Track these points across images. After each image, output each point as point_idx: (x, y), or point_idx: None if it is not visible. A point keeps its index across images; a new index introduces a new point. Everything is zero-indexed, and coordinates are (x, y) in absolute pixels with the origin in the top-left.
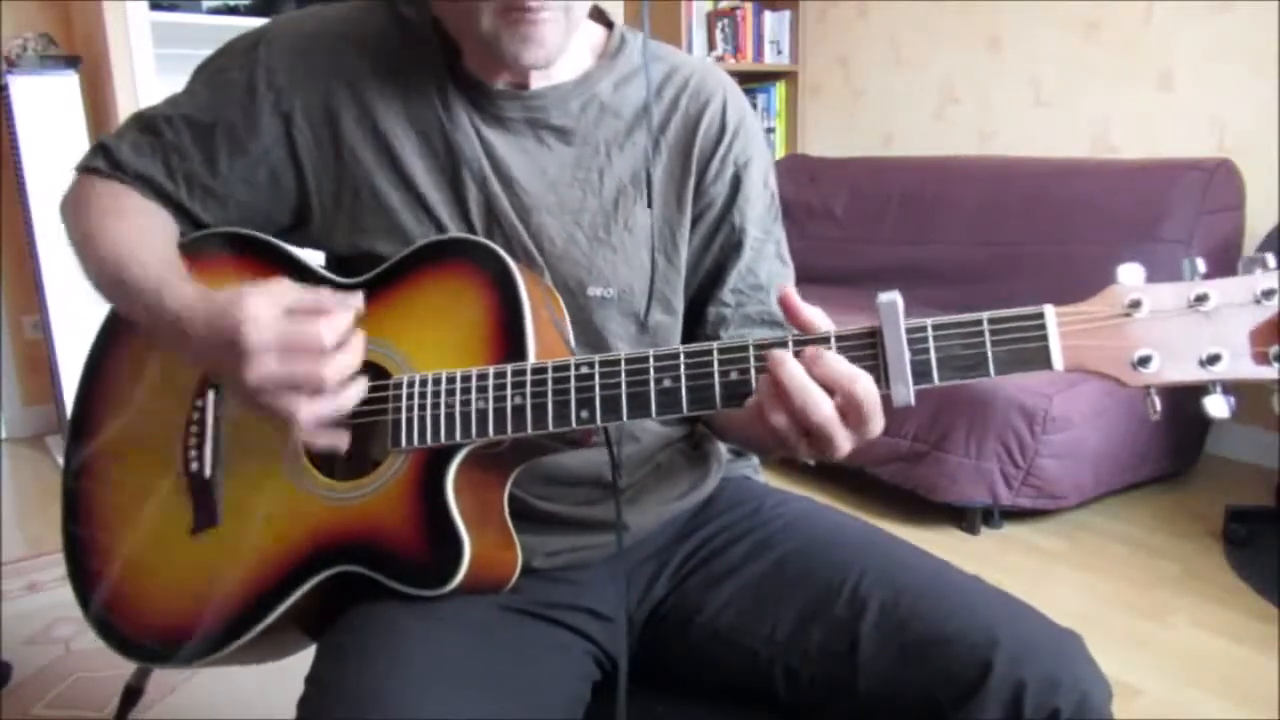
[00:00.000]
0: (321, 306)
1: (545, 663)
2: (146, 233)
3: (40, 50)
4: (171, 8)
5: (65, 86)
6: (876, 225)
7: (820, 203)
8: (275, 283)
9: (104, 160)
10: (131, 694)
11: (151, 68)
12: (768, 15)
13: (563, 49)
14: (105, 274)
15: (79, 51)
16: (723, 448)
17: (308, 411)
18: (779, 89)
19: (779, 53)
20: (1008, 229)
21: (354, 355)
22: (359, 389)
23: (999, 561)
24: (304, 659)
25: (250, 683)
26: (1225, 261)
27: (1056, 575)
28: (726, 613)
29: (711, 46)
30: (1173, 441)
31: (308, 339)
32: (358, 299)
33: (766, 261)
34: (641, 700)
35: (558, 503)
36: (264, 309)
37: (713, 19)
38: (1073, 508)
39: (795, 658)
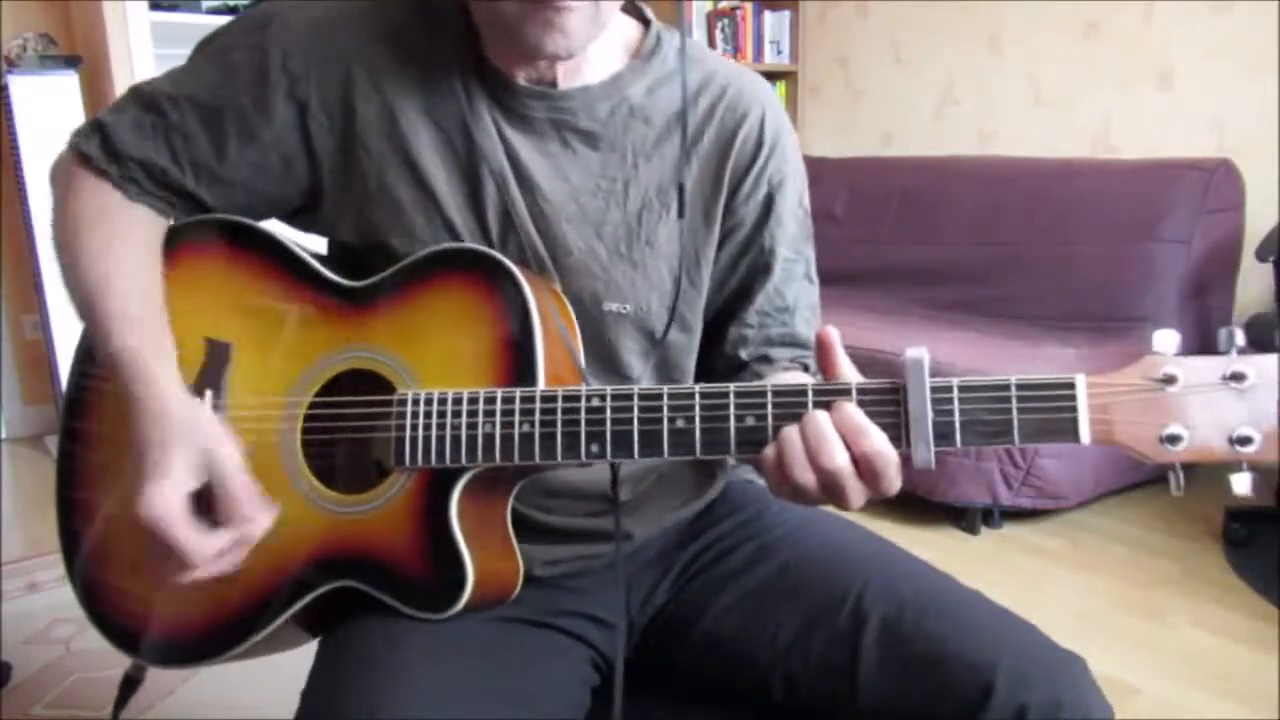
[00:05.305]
0: (230, 511)
1: (546, 669)
2: (128, 265)
3: (40, 50)
4: (171, 8)
5: (65, 86)
6: (876, 225)
7: (820, 203)
8: (218, 450)
9: (99, 145)
10: (130, 684)
11: (151, 68)
12: (768, 15)
13: (589, 41)
14: (79, 300)
15: (79, 51)
16: None
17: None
18: (779, 89)
19: (779, 53)
20: (1008, 229)
21: (220, 567)
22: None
23: (999, 561)
24: (304, 658)
25: (250, 683)
26: (1225, 262)
27: (1056, 575)
28: (727, 619)
29: (711, 46)
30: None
31: (181, 547)
32: (266, 520)
33: (795, 282)
34: (643, 705)
35: (560, 515)
36: (172, 487)
37: (713, 19)
38: (1073, 508)
39: (795, 666)
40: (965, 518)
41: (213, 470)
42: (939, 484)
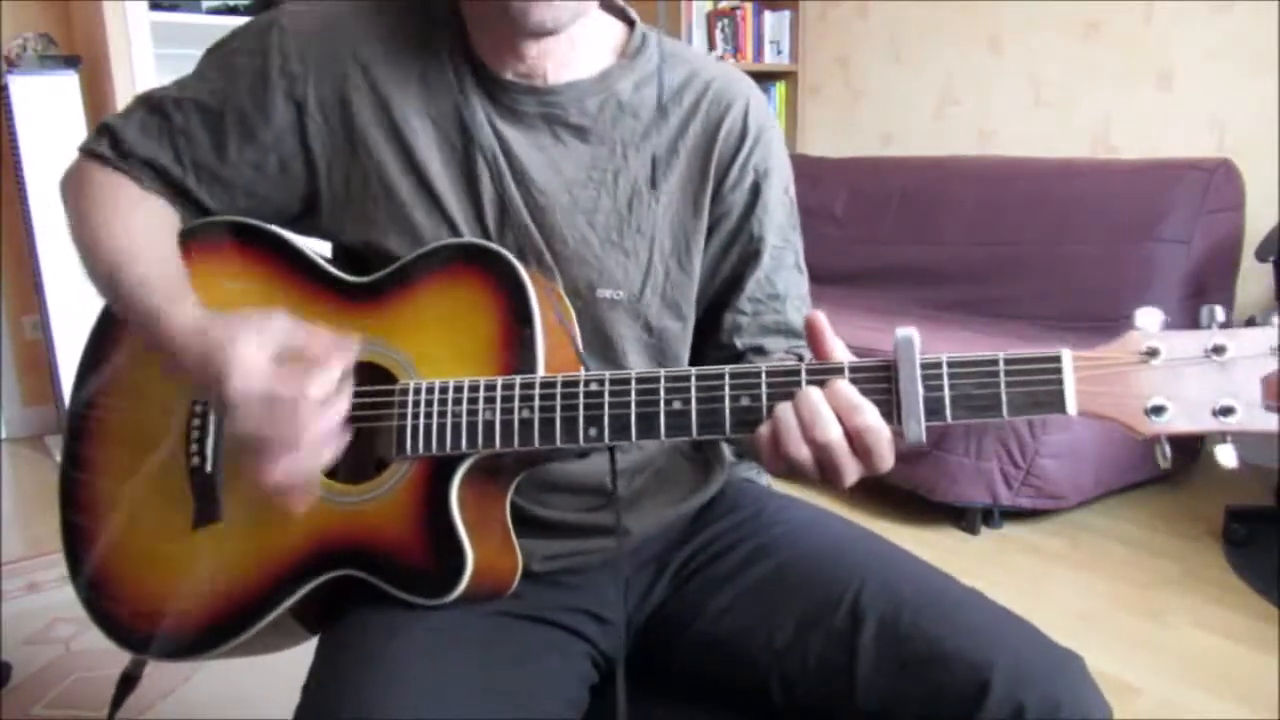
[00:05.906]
0: (314, 353)
1: (543, 666)
2: (147, 238)
3: (40, 50)
4: (171, 8)
5: (65, 86)
6: (876, 225)
7: (820, 203)
8: (271, 320)
9: (108, 145)
10: (128, 681)
11: (151, 68)
12: (768, 15)
13: (573, 18)
14: (102, 278)
15: (79, 51)
16: (726, 450)
17: (277, 471)
18: (779, 89)
19: (779, 53)
20: (1008, 229)
21: (337, 412)
22: (335, 448)
23: (999, 561)
24: (303, 658)
25: (250, 682)
26: (1225, 262)
27: (1056, 575)
28: (725, 618)
29: (711, 46)
30: (1172, 441)
31: (292, 397)
32: (353, 346)
33: (785, 270)
34: (640, 704)
35: (558, 509)
36: (253, 358)
37: (713, 19)
38: (1073, 508)
39: (793, 667)
40: (965, 518)
41: (273, 336)
42: (939, 484)
